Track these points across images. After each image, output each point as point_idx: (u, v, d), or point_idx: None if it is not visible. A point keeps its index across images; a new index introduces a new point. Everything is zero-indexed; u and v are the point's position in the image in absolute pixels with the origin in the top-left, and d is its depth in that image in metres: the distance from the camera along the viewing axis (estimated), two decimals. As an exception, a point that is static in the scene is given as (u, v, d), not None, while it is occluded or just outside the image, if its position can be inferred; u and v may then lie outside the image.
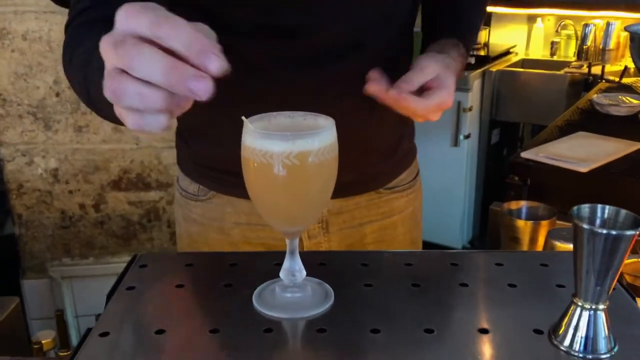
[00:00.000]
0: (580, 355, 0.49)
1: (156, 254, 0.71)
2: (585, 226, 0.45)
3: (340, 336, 0.51)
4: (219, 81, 0.43)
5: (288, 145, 0.48)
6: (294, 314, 0.53)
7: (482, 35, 3.26)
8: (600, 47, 3.10)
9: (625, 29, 1.82)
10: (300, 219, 0.53)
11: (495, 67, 3.05)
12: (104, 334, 0.51)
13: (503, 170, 1.62)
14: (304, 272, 0.55)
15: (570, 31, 3.24)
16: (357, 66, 0.73)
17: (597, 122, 1.80)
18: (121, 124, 0.53)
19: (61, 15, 2.02)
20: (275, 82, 0.74)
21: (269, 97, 0.74)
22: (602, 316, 0.48)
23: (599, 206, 0.48)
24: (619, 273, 0.47)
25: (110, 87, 0.45)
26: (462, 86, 2.88)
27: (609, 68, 2.83)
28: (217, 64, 0.43)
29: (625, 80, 2.46)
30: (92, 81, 0.61)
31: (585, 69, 2.87)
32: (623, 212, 0.47)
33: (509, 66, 3.13)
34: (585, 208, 0.48)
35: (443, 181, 2.96)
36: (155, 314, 0.54)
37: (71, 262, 2.34)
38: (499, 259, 0.63)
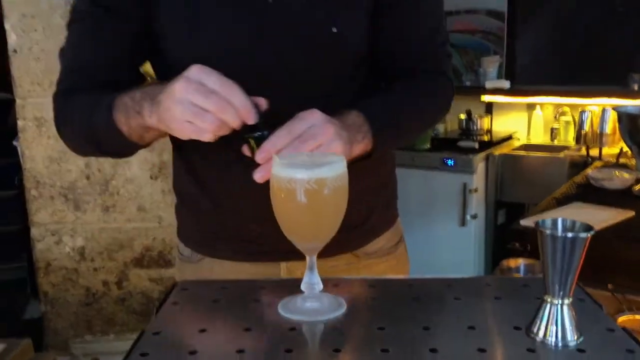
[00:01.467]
0: (552, 344, 0.58)
1: (195, 281, 0.83)
2: (548, 232, 0.57)
3: (351, 335, 0.61)
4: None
5: (308, 173, 0.60)
6: (314, 318, 0.64)
7: (485, 122, 3.45)
8: (598, 131, 3.26)
9: (614, 109, 1.98)
10: (317, 237, 0.64)
11: (498, 151, 3.21)
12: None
13: (504, 238, 1.73)
14: (321, 285, 0.66)
15: (568, 118, 3.42)
16: None
17: (591, 194, 1.92)
18: (121, 153, 0.91)
19: (95, 105, 2.22)
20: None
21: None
22: (567, 310, 0.59)
23: (559, 218, 0.59)
24: (578, 271, 0.58)
25: (187, 110, 0.71)
26: (466, 168, 3.03)
27: (606, 151, 2.98)
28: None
29: (621, 161, 2.60)
30: (99, 122, 0.85)
31: (583, 152, 3.02)
32: (578, 222, 0.59)
33: (511, 150, 3.29)
34: (548, 221, 0.59)
35: (452, 260, 3.05)
36: (200, 316, 0.65)
37: (92, 339, 2.41)
38: (488, 281, 0.74)
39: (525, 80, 4.31)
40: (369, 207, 1.02)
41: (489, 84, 3.49)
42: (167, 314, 0.67)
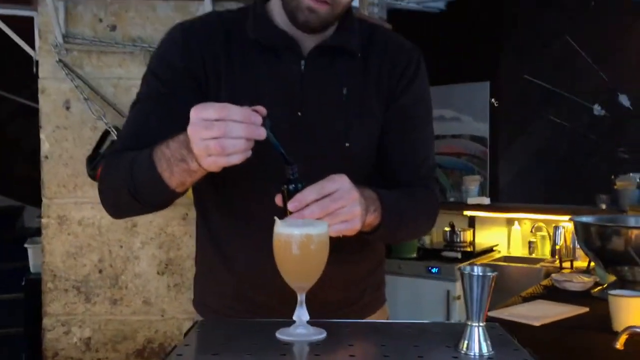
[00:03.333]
0: (472, 355, 0.81)
1: (217, 319, 1.03)
2: (466, 271, 0.81)
3: (327, 351, 0.83)
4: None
5: (300, 230, 0.86)
6: (301, 338, 0.86)
7: (468, 235, 3.72)
8: (571, 246, 3.52)
9: (571, 219, 2.25)
10: (306, 278, 0.88)
11: (480, 261, 3.46)
12: None
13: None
14: (308, 317, 0.89)
15: (544, 233, 3.69)
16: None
17: (554, 294, 2.14)
18: (159, 203, 1.09)
19: (113, 206, 2.48)
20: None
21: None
22: (482, 330, 0.82)
23: (475, 266, 0.84)
24: (488, 302, 0.82)
25: (209, 144, 0.87)
26: (450, 276, 3.26)
27: (578, 263, 3.23)
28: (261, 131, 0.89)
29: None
30: (141, 171, 1.02)
31: (557, 264, 3.27)
32: (488, 268, 0.83)
33: (492, 261, 3.54)
34: (467, 267, 0.84)
35: None
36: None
37: None
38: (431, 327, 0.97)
39: (507, 198, 4.64)
40: (363, 287, 1.27)
41: (470, 200, 3.81)
42: (189, 341, 0.89)
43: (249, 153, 0.90)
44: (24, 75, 4.67)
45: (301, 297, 0.89)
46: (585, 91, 5.14)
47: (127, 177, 1.06)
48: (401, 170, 1.24)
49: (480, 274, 0.81)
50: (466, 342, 0.82)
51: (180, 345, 0.85)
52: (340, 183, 0.94)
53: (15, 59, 4.49)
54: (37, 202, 5.35)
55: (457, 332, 0.86)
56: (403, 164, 1.24)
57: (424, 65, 1.26)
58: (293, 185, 0.91)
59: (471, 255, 3.52)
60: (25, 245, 3.33)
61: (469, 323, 0.83)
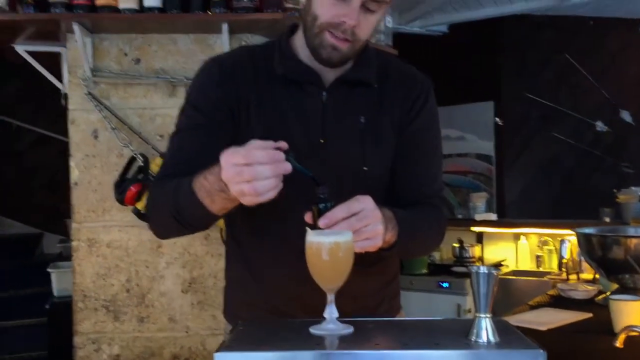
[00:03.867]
0: (481, 342, 0.94)
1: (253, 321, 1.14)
2: (474, 270, 0.95)
3: (356, 342, 0.97)
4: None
5: (329, 238, 1.00)
6: (332, 332, 1.00)
7: (476, 250, 3.84)
8: (577, 259, 3.63)
9: (574, 230, 2.37)
10: (335, 281, 1.02)
11: (489, 275, 3.57)
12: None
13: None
14: (337, 314, 1.02)
15: (551, 247, 3.81)
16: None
17: (560, 302, 2.26)
18: (201, 225, 1.21)
19: (138, 228, 2.63)
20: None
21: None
22: (489, 321, 0.95)
23: (481, 266, 0.97)
24: (494, 296, 0.95)
25: (243, 188, 0.99)
26: (459, 290, 3.38)
27: (584, 275, 3.34)
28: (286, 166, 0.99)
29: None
30: (181, 196, 1.12)
31: (564, 276, 3.38)
32: (493, 268, 0.97)
33: (500, 275, 3.64)
34: (475, 267, 0.97)
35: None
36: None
37: None
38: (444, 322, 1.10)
39: (513, 213, 4.78)
40: (381, 296, 1.41)
41: (478, 217, 3.93)
42: (235, 336, 1.03)
43: (281, 186, 1.01)
44: (42, 106, 4.87)
45: (331, 297, 1.03)
46: (588, 108, 5.29)
47: (170, 203, 1.17)
48: (412, 191, 1.36)
49: (486, 272, 0.94)
50: (475, 331, 0.95)
51: (228, 340, 0.98)
52: (365, 203, 1.06)
53: (34, 91, 4.68)
54: (55, 228, 5.50)
55: (467, 325, 0.99)
56: (413, 185, 1.36)
57: (433, 95, 1.40)
58: (323, 205, 1.03)
59: (480, 269, 3.63)
60: (48, 270, 3.48)
61: (478, 315, 0.96)
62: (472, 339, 0.95)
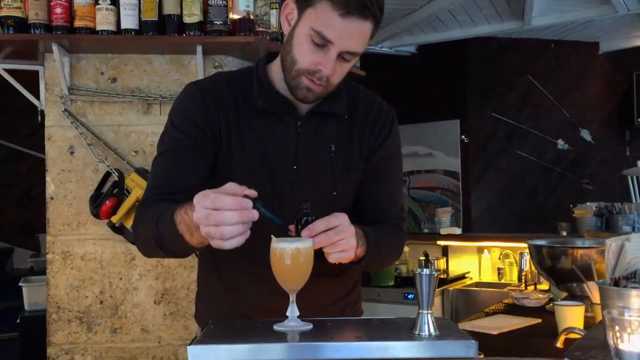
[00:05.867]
0: (424, 334, 1.07)
1: (223, 321, 1.24)
2: (417, 271, 1.08)
3: (314, 337, 1.09)
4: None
5: (291, 245, 1.12)
6: (294, 329, 1.12)
7: (441, 263, 3.99)
8: (535, 271, 3.80)
9: (526, 241, 2.53)
10: (296, 282, 1.13)
11: (453, 287, 3.72)
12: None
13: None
14: (298, 312, 1.14)
15: (512, 260, 3.97)
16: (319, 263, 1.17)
17: (513, 310, 2.41)
18: (182, 254, 1.28)
19: (113, 241, 2.71)
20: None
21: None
22: (430, 316, 1.08)
23: (424, 268, 1.10)
24: (434, 294, 1.08)
25: (210, 231, 1.04)
26: (424, 301, 3.52)
27: (541, 286, 3.50)
28: (253, 214, 1.06)
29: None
30: (163, 226, 1.17)
31: (522, 287, 3.54)
32: (434, 270, 1.09)
33: (464, 287, 3.80)
34: (418, 269, 1.10)
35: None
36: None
37: None
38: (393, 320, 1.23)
39: (479, 228, 4.95)
40: (344, 303, 1.54)
41: (443, 231, 4.08)
42: (207, 333, 1.14)
43: (248, 234, 1.06)
44: (16, 122, 4.91)
45: (292, 297, 1.15)
46: (550, 127, 5.52)
47: (153, 230, 1.22)
48: (376, 213, 1.48)
49: (428, 273, 1.07)
50: (419, 325, 1.08)
51: (200, 336, 1.09)
52: (342, 220, 1.19)
53: (8, 107, 4.71)
54: (26, 243, 5.50)
55: (412, 322, 1.12)
56: (378, 208, 1.49)
57: (397, 123, 1.52)
58: (305, 218, 1.16)
59: (445, 282, 3.78)
60: (20, 284, 3.52)
61: (421, 311, 1.09)
62: (416, 332, 1.08)
